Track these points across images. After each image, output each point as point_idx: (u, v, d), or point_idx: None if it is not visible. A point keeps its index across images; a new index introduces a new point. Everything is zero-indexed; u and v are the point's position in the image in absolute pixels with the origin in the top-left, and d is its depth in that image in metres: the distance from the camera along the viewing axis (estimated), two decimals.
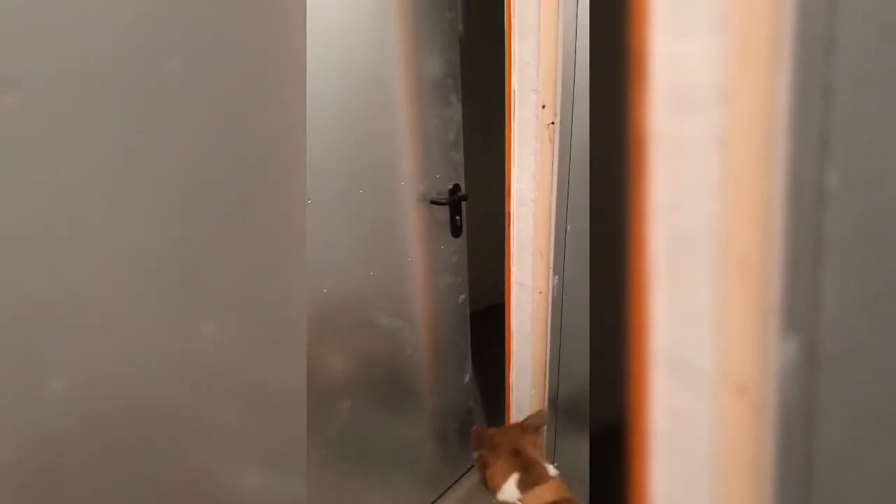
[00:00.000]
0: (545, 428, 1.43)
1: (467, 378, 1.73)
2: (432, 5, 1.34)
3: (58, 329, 0.64)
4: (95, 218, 0.65)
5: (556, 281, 1.38)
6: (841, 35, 0.56)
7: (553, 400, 1.46)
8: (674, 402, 0.72)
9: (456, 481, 1.78)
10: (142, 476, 0.73)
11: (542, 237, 1.38)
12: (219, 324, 0.77)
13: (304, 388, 0.89)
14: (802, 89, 0.58)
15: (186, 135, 0.71)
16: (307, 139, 1.11)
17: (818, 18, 0.56)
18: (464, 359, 1.71)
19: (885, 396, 0.59)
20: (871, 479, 0.61)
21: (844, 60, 0.56)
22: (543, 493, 1.14)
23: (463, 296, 1.64)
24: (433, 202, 1.44)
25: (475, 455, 1.30)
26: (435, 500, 1.73)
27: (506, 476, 1.19)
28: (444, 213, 1.50)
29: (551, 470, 1.20)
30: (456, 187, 1.50)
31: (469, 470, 1.78)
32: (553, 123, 1.27)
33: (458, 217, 1.53)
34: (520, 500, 1.15)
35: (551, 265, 1.37)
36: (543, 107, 1.27)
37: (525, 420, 1.32)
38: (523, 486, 1.16)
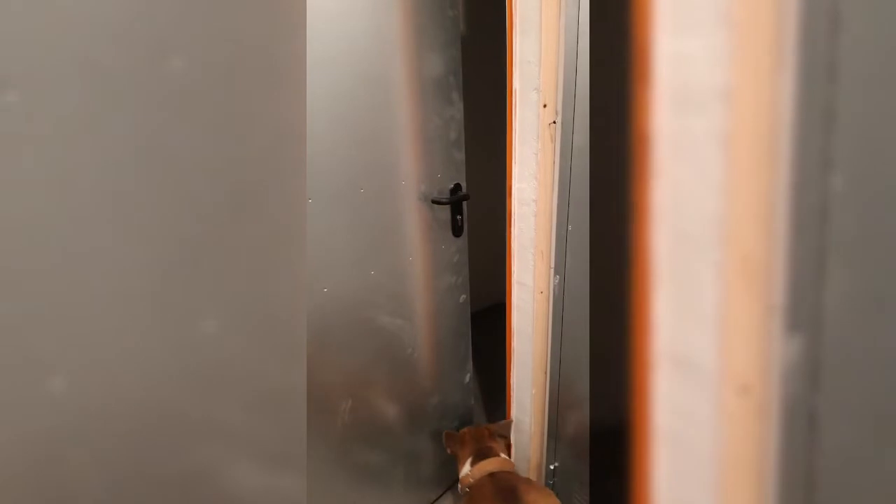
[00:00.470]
0: (511, 434, 1.59)
1: (467, 378, 1.74)
2: (434, 3, 1.33)
3: (57, 327, 0.64)
4: (96, 215, 0.65)
5: (557, 281, 1.37)
6: (845, 34, 0.55)
7: (554, 399, 1.45)
8: (676, 401, 0.72)
9: (456, 481, 1.75)
10: (140, 474, 0.73)
11: (543, 237, 1.37)
12: (219, 322, 0.78)
13: (304, 387, 0.89)
14: (806, 89, 0.57)
15: (187, 133, 0.71)
16: (308, 138, 1.12)
17: (822, 17, 0.56)
18: (464, 359, 1.72)
19: (888, 396, 0.58)
20: (874, 479, 0.60)
21: (849, 60, 0.56)
22: (487, 464, 1.37)
23: (464, 296, 1.64)
24: (434, 201, 1.44)
25: (449, 452, 1.52)
26: (435, 500, 1.74)
27: (466, 460, 1.43)
28: (445, 212, 1.49)
29: (503, 456, 1.42)
30: (457, 186, 1.50)
31: None
32: (554, 123, 1.27)
33: (459, 216, 1.53)
34: (469, 472, 1.39)
35: (552, 265, 1.37)
36: (545, 106, 1.26)
37: (493, 425, 1.51)
38: (475, 463, 1.40)
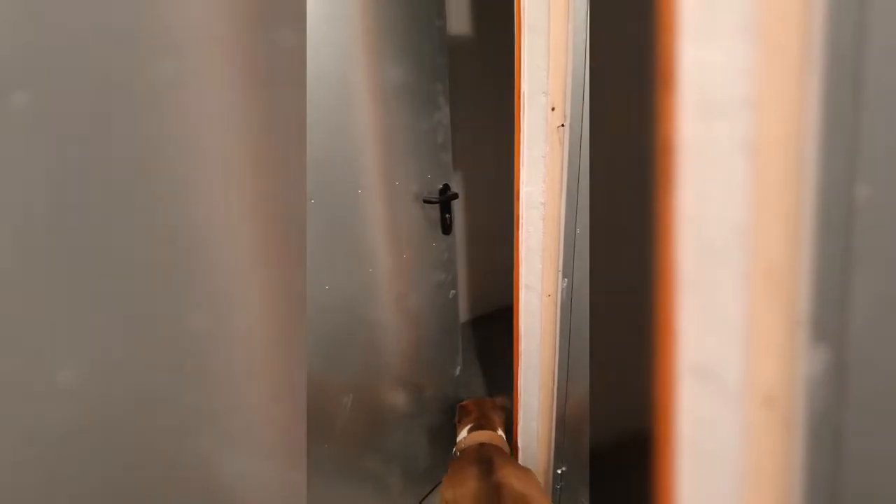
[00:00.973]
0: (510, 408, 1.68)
1: (458, 371, 1.84)
2: (421, 14, 1.42)
3: (64, 319, 0.64)
4: (101, 208, 0.65)
5: (565, 284, 1.37)
6: (872, 43, 0.55)
7: (562, 403, 1.45)
8: (701, 412, 0.71)
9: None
10: (138, 469, 0.73)
11: (551, 240, 1.37)
12: (222, 317, 0.78)
13: (304, 383, 0.90)
14: (832, 97, 0.57)
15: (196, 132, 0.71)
16: (309, 143, 1.17)
17: (848, 26, 0.55)
18: (454, 352, 1.81)
19: None
20: None
21: (875, 69, 0.55)
22: (479, 435, 1.51)
23: (453, 291, 1.74)
24: (426, 201, 1.53)
25: (455, 422, 1.65)
26: (429, 492, 1.80)
27: (465, 428, 1.56)
28: (435, 211, 1.58)
29: (499, 431, 1.55)
30: (446, 187, 1.59)
31: None
32: (563, 126, 1.26)
33: (447, 215, 1.61)
34: (463, 438, 1.53)
35: (560, 268, 1.36)
36: (553, 109, 1.25)
37: (497, 398, 1.67)
38: (471, 432, 1.54)
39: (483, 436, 1.51)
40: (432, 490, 1.80)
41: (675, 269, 0.69)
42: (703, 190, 0.65)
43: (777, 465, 0.66)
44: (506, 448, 1.51)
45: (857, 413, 0.61)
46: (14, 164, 0.58)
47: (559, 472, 1.49)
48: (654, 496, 0.75)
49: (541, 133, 1.30)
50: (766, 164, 0.61)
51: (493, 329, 2.50)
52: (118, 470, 0.72)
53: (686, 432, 0.72)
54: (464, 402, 1.68)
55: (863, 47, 0.55)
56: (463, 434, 1.55)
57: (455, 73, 1.61)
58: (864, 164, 0.57)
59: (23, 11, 0.56)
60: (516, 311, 1.51)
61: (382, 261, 1.44)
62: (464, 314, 3.25)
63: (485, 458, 1.38)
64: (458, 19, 2.73)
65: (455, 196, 1.60)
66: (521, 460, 1.62)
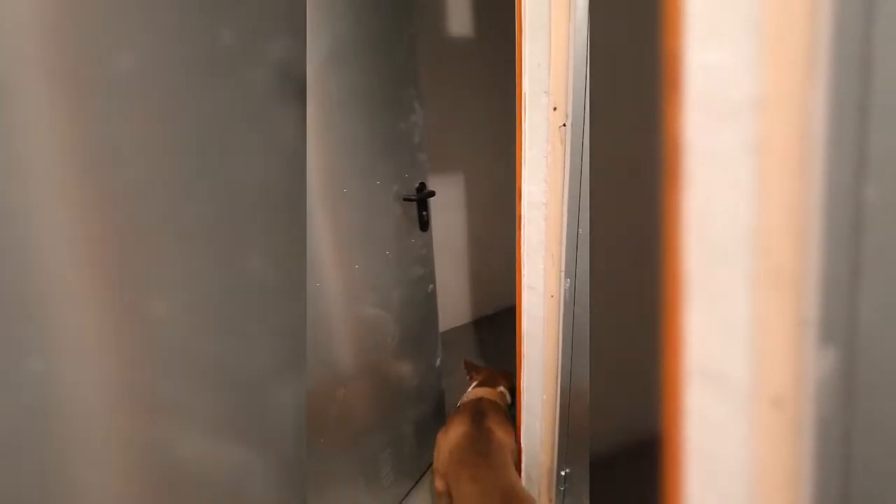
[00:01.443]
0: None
1: (438, 362, 1.94)
2: (394, 25, 1.52)
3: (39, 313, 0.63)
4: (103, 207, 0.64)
5: (567, 284, 1.36)
6: (878, 44, 0.54)
7: (565, 404, 1.44)
8: (709, 414, 0.71)
9: (430, 465, 1.91)
10: (136, 463, 0.72)
11: (553, 240, 1.36)
12: (226, 312, 0.77)
13: (302, 378, 0.91)
14: (839, 99, 0.56)
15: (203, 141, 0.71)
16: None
17: (855, 26, 0.55)
18: (434, 344, 1.91)
19: None
20: None
21: (883, 69, 0.54)
22: (481, 391, 1.71)
23: (431, 285, 1.84)
24: (406, 199, 1.62)
25: (468, 377, 1.85)
26: (418, 480, 1.89)
27: (472, 384, 1.79)
28: (413, 209, 1.67)
29: (499, 389, 1.73)
30: (422, 185, 1.68)
31: None
32: (564, 125, 1.25)
33: (424, 213, 1.70)
34: (468, 393, 1.74)
35: (563, 268, 1.36)
36: (555, 109, 1.25)
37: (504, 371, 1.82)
38: (475, 388, 1.74)
39: (483, 392, 1.70)
40: (420, 478, 1.89)
41: (681, 270, 0.68)
42: (710, 191, 0.65)
43: (786, 467, 0.65)
44: (502, 402, 1.71)
45: (865, 415, 0.60)
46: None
47: (563, 473, 1.48)
48: (661, 499, 0.75)
49: (542, 133, 1.30)
50: (774, 165, 0.60)
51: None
52: (111, 465, 0.71)
53: (693, 435, 0.72)
54: (478, 367, 1.89)
55: (870, 47, 0.55)
56: (469, 390, 1.76)
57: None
58: (871, 165, 0.56)
59: None
60: (519, 311, 1.50)
61: (366, 257, 1.51)
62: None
63: (479, 410, 1.58)
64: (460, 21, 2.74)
65: (432, 193, 1.69)
66: (524, 462, 1.62)
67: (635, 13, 0.69)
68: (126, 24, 0.63)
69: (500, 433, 1.52)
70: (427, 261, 1.80)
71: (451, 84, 2.74)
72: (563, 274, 1.36)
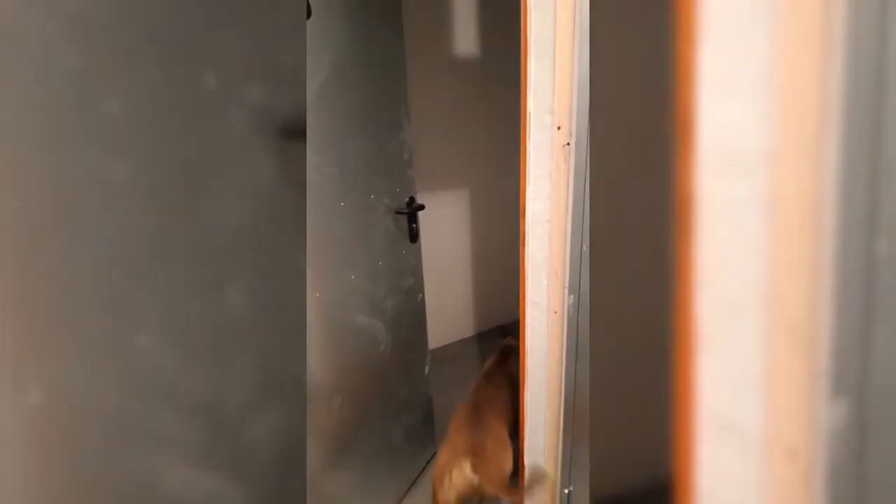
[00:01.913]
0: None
1: (426, 370, 2.00)
2: (383, 48, 1.62)
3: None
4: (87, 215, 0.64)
5: (571, 300, 1.36)
6: (890, 98, 0.53)
7: (569, 421, 1.44)
8: (722, 464, 0.70)
9: (424, 468, 2.00)
10: (131, 463, 0.72)
11: (557, 257, 1.35)
12: (222, 322, 0.78)
13: (304, 384, 0.92)
14: (851, 154, 0.55)
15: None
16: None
17: (867, 82, 0.54)
18: (423, 352, 1.99)
19: None
20: None
21: (894, 126, 0.54)
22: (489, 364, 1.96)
23: (421, 295, 1.92)
24: (397, 212, 1.72)
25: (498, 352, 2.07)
26: (412, 483, 1.92)
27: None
28: (404, 222, 1.76)
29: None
30: (412, 199, 1.79)
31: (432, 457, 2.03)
32: (568, 144, 1.24)
33: (414, 225, 1.79)
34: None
35: (566, 284, 1.35)
36: (559, 128, 1.24)
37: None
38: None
39: (491, 364, 1.96)
40: (416, 478, 1.94)
41: (694, 320, 0.68)
42: (723, 244, 0.64)
43: None
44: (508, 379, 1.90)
45: (877, 465, 0.60)
46: None
47: (566, 491, 1.48)
48: None
49: (546, 151, 1.29)
50: (785, 219, 0.60)
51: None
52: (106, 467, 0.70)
53: (706, 483, 0.71)
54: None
55: (882, 101, 0.54)
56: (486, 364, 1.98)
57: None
58: (883, 218, 0.56)
59: None
60: (522, 327, 1.49)
61: (361, 268, 1.58)
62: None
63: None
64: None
65: (421, 207, 1.79)
66: (527, 478, 1.62)
67: (645, 67, 0.68)
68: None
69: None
70: (416, 271, 1.88)
71: (458, 102, 2.76)
72: (566, 290, 1.35)
